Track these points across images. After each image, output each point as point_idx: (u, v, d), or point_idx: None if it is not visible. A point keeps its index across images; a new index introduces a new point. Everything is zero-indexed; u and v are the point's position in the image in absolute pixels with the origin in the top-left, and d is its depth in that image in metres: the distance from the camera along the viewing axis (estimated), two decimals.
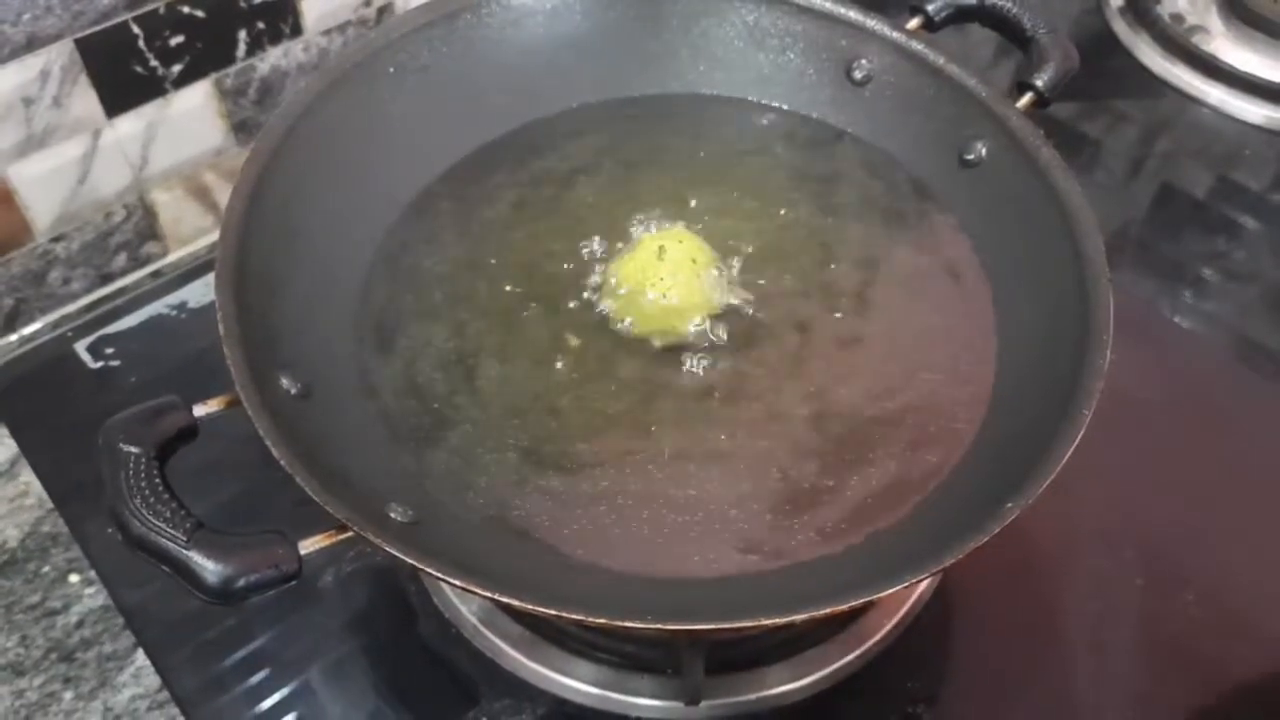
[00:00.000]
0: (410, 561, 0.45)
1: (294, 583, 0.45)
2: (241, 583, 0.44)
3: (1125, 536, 0.68)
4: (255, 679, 0.61)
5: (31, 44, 0.70)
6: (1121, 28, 1.01)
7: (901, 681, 0.62)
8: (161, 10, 0.74)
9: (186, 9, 0.75)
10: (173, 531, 0.44)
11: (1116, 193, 0.92)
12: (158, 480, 0.45)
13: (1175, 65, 0.97)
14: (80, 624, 0.67)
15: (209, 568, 0.44)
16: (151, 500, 0.45)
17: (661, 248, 0.62)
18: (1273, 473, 0.73)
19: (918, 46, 0.67)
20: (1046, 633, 0.65)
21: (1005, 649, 0.64)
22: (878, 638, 0.62)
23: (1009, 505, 0.48)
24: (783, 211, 0.67)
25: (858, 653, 0.62)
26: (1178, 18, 1.00)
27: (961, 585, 0.65)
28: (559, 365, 0.59)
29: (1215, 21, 1.00)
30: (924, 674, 0.63)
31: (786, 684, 0.60)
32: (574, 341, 0.60)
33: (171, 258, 0.85)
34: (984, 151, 0.65)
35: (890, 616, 0.63)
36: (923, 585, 0.64)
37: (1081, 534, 0.68)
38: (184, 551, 0.44)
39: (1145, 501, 0.70)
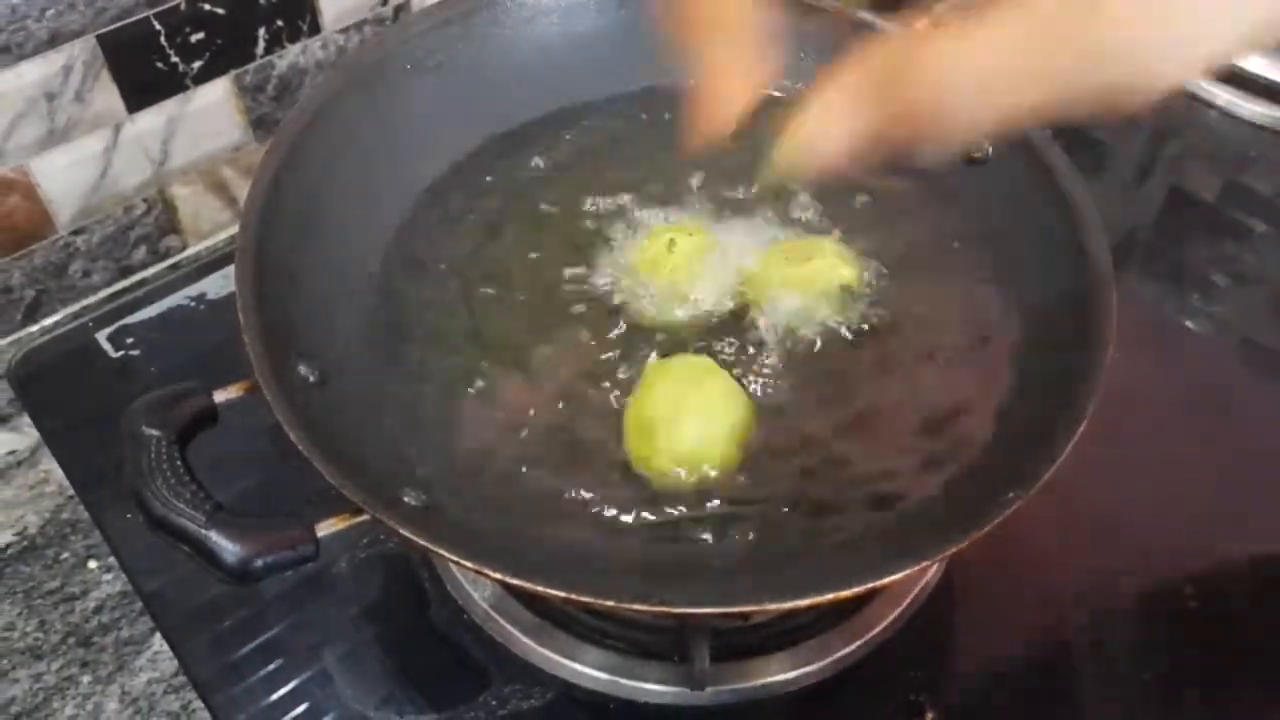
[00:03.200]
0: (422, 544, 0.46)
1: (311, 564, 0.46)
2: (259, 563, 0.45)
3: (1128, 533, 0.69)
4: (272, 663, 0.62)
5: (55, 40, 0.71)
6: None
7: (904, 670, 0.63)
8: (182, 7, 0.75)
9: (207, 6, 0.76)
10: (193, 512, 0.45)
11: (1126, 195, 0.92)
12: (179, 463, 0.47)
13: None
14: (98, 609, 0.68)
15: (228, 548, 0.45)
16: (172, 482, 0.46)
17: (672, 240, 0.63)
18: (1276, 473, 0.73)
19: None
20: (1048, 626, 0.65)
21: (1007, 641, 0.65)
22: (881, 627, 0.63)
23: (1010, 496, 0.49)
24: (789, 205, 0.68)
25: (862, 641, 0.62)
26: None
27: (965, 577, 0.66)
28: (570, 354, 0.60)
29: None
30: (926, 663, 0.63)
31: (791, 671, 0.61)
32: (585, 332, 0.61)
33: (190, 251, 0.86)
34: (990, 150, 0.66)
35: (894, 606, 0.64)
36: (926, 576, 0.65)
37: (1084, 529, 0.69)
38: (203, 531, 0.45)
39: (1149, 499, 0.71)
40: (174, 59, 0.77)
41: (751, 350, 0.61)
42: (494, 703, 0.61)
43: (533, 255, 0.65)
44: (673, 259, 0.62)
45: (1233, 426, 0.76)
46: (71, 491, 0.70)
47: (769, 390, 0.59)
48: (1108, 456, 0.63)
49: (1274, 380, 0.81)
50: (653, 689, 0.61)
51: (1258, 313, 0.84)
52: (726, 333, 0.61)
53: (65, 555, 0.70)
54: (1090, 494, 0.68)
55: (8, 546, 0.70)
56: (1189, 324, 0.83)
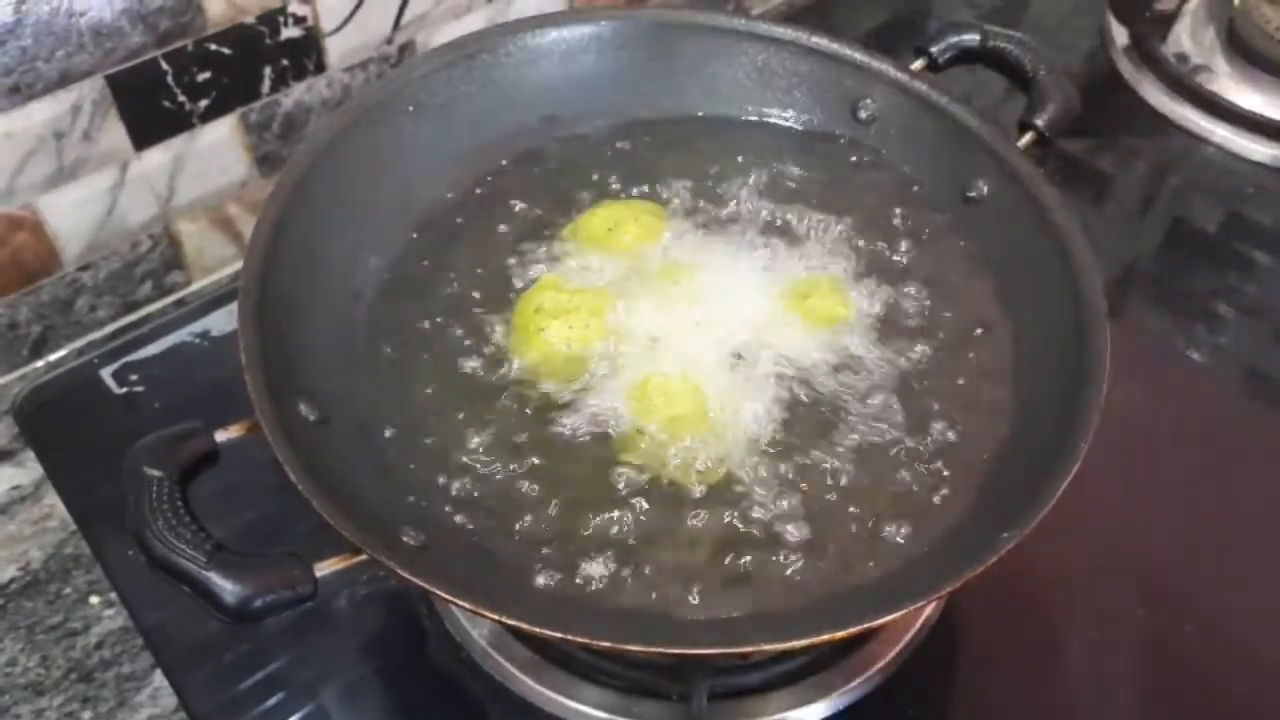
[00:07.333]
0: (420, 584, 0.46)
1: (310, 603, 0.47)
2: (258, 603, 0.46)
3: (1128, 567, 0.69)
4: (270, 699, 0.62)
5: (64, 80, 0.72)
6: (1127, 67, 1.02)
7: (904, 709, 0.63)
8: (190, 47, 0.76)
9: (214, 46, 0.77)
10: (193, 553, 0.46)
11: (1129, 226, 0.93)
12: (179, 503, 0.47)
13: (1180, 104, 0.98)
14: (100, 645, 0.68)
15: (227, 588, 0.45)
16: (173, 523, 0.46)
17: (675, 282, 0.63)
18: (1277, 505, 0.73)
19: (921, 87, 0.69)
20: (1049, 662, 0.65)
21: (1008, 677, 0.65)
22: (881, 665, 0.63)
23: (1005, 535, 0.49)
24: (789, 242, 0.68)
25: (861, 679, 0.62)
26: (1182, 57, 1.01)
27: (965, 614, 0.66)
28: (570, 392, 0.61)
29: (1220, 61, 1.01)
30: (927, 702, 0.63)
31: (790, 710, 0.61)
32: (583, 369, 0.62)
33: (195, 287, 0.87)
34: (986, 190, 0.67)
35: (893, 645, 0.64)
36: (925, 615, 0.65)
37: (1085, 565, 0.69)
38: (203, 572, 0.45)
39: (1148, 532, 0.71)
40: (181, 98, 0.78)
41: (751, 386, 0.61)
42: None
43: (528, 288, 0.65)
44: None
45: (1234, 456, 0.76)
46: (74, 527, 0.71)
47: (766, 426, 0.60)
48: (1110, 490, 0.63)
49: (1276, 410, 0.81)
50: None
51: (1262, 343, 0.84)
52: (727, 370, 0.61)
53: (67, 590, 0.70)
54: (1091, 529, 0.68)
55: (11, 581, 0.70)
56: (1193, 355, 0.83)
